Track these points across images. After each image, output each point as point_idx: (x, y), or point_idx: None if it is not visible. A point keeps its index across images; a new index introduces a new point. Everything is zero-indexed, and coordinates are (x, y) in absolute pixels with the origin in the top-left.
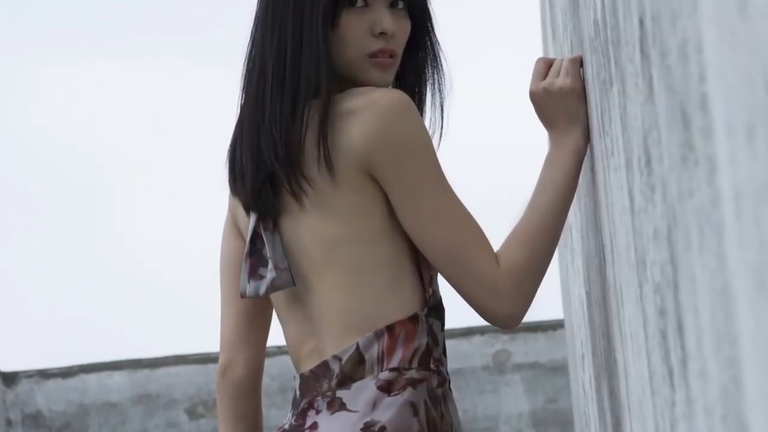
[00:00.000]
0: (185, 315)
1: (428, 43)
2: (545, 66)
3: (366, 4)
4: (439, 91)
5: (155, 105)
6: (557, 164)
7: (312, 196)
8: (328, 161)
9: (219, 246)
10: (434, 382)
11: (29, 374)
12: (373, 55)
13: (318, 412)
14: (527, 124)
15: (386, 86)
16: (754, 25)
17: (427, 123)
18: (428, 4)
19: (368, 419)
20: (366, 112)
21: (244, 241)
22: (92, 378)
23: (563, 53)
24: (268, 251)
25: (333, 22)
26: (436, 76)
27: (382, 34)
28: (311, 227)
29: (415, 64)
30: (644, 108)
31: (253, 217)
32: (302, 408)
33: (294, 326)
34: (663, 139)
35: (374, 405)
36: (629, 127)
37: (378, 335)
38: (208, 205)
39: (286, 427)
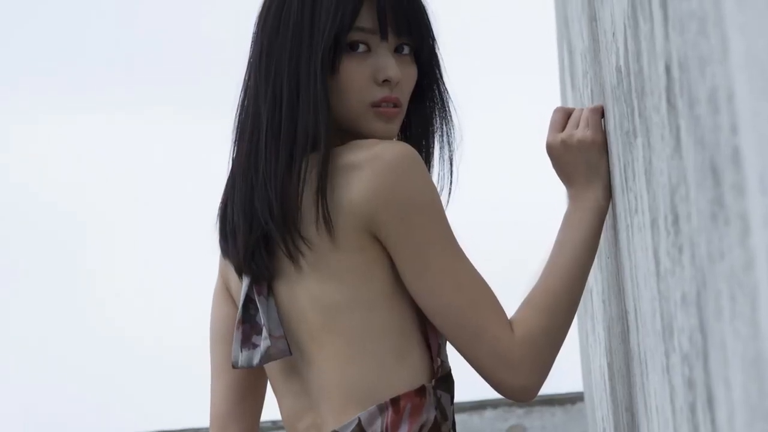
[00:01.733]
0: (172, 386)
1: (436, 91)
2: (563, 116)
3: (368, 49)
4: (448, 143)
5: (139, 159)
6: (576, 223)
7: (310, 257)
8: (327, 220)
9: (208, 312)
10: None
11: None
12: (376, 105)
13: None
14: (544, 180)
15: (391, 138)
16: None
17: (435, 178)
18: (437, 50)
19: None
20: (369, 166)
21: (236, 307)
22: None
23: (583, 102)
24: (262, 318)
25: (332, 69)
26: (444, 127)
27: (386, 81)
28: (309, 292)
29: (422, 115)
30: (671, 162)
31: (245, 281)
32: None
33: (290, 399)
34: (691, 196)
35: None
36: (654, 182)
37: (381, 409)
38: (197, 267)
39: None
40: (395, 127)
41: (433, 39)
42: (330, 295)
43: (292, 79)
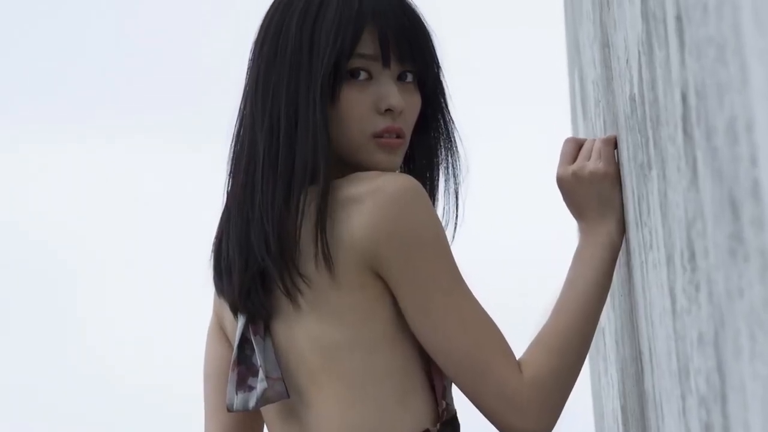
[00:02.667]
0: (164, 430)
1: (441, 121)
2: (575, 147)
3: (370, 77)
4: (454, 176)
5: (128, 191)
6: (588, 259)
7: (308, 295)
8: (326, 256)
9: (202, 353)
10: None
11: None
12: (378, 135)
13: None
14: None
15: (393, 170)
16: None
17: (439, 212)
18: (441, 77)
19: None
20: (370, 199)
21: (231, 347)
22: None
23: (595, 133)
24: (258, 359)
25: (332, 97)
26: (449, 159)
27: (389, 110)
28: (308, 331)
29: (426, 146)
30: (687, 195)
31: (241, 320)
32: None
33: None
34: (709, 231)
35: None
36: (670, 216)
37: None
38: (190, 306)
39: None
40: (398, 158)
41: (438, 66)
42: (330, 335)
43: (290, 107)
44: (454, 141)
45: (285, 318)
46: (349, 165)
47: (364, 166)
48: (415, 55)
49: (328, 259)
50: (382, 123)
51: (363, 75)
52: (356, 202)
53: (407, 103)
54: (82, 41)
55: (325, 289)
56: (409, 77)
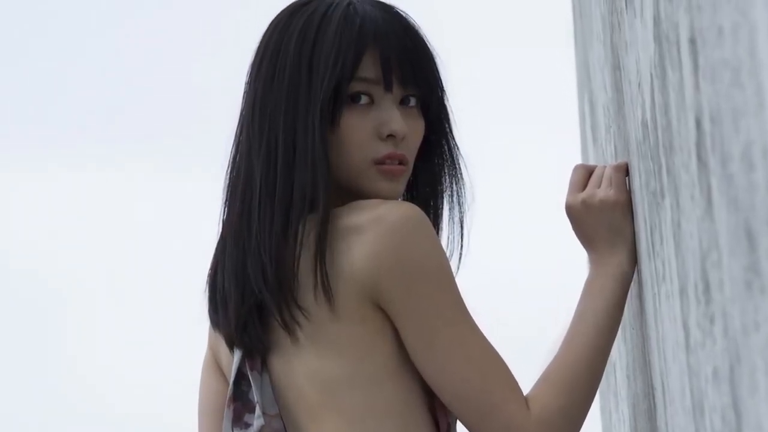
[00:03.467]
0: None
1: (445, 147)
2: (584, 174)
3: (371, 101)
4: (459, 204)
5: (119, 219)
6: (598, 291)
7: (307, 329)
8: (326, 288)
9: (194, 383)
10: None
11: None
12: (379, 162)
13: None
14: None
15: (395, 198)
16: None
17: (444, 241)
18: (446, 101)
19: None
20: (371, 229)
21: (227, 382)
22: None
23: (605, 159)
24: (255, 395)
25: (332, 122)
26: (454, 186)
27: (391, 136)
28: (306, 366)
29: (430, 172)
30: (701, 225)
31: (237, 355)
32: None
33: None
34: (724, 262)
35: None
36: (684, 247)
37: None
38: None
39: None
40: (401, 186)
41: (442, 90)
42: (329, 370)
43: (288, 133)
44: (459, 168)
45: (283, 352)
46: (349, 192)
47: (366, 193)
48: (418, 78)
49: (327, 291)
50: (383, 149)
51: (364, 99)
52: (357, 232)
53: (410, 129)
54: (73, 67)
55: (325, 322)
56: (412, 101)
